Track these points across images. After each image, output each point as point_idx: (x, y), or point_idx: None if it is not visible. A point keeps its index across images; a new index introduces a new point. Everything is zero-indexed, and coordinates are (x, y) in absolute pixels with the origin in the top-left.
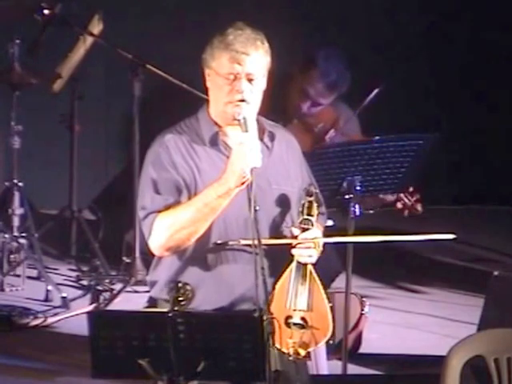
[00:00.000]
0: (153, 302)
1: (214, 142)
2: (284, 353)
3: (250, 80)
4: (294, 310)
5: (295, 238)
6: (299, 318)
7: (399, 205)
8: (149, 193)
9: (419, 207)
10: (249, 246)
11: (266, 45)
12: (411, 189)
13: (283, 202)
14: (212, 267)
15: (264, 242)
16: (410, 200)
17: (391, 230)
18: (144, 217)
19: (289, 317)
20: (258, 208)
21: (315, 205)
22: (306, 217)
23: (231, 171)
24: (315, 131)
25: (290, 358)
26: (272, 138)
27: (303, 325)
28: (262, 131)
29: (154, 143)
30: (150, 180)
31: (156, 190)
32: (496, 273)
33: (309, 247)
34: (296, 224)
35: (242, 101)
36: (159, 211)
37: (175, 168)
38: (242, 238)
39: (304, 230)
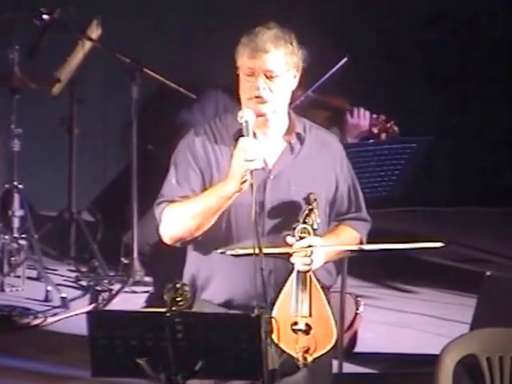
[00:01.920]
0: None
1: (238, 138)
2: (293, 357)
3: (269, 77)
4: (297, 316)
5: (291, 246)
6: (304, 324)
7: (375, 130)
8: (169, 182)
9: (396, 128)
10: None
11: (293, 45)
12: (383, 117)
13: (301, 205)
14: (225, 261)
15: (254, 250)
16: (384, 125)
17: (388, 231)
18: (158, 203)
19: (294, 323)
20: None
21: (315, 213)
22: (302, 225)
23: (232, 173)
24: None
25: (299, 363)
26: (302, 140)
27: (307, 331)
28: (290, 131)
29: (185, 136)
30: (173, 170)
31: (176, 180)
32: (488, 273)
33: (304, 255)
34: (295, 230)
35: (259, 98)
36: (173, 201)
37: (196, 160)
38: (241, 248)
39: (301, 238)
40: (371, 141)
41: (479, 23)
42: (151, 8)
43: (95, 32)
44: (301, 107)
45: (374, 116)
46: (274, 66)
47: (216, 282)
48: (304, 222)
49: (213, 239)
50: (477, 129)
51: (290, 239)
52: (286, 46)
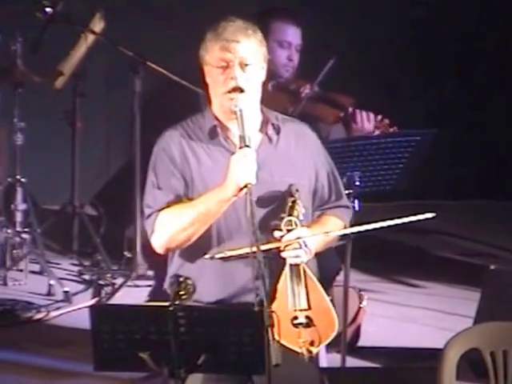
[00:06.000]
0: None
1: (214, 135)
2: (298, 353)
3: (243, 67)
4: (296, 311)
5: (279, 240)
6: (304, 317)
7: (378, 132)
8: (151, 190)
9: (397, 130)
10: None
11: (259, 35)
12: (386, 121)
13: (286, 193)
14: (213, 260)
15: (251, 249)
16: (387, 129)
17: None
18: (148, 215)
19: (294, 317)
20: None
21: (299, 204)
22: (288, 218)
23: (229, 180)
24: (290, 89)
25: (305, 358)
26: (278, 130)
27: (309, 323)
28: (265, 124)
29: (159, 139)
30: (153, 177)
31: (158, 187)
32: (492, 267)
33: (294, 248)
34: (281, 225)
35: (237, 89)
36: (162, 209)
37: (175, 164)
38: (228, 249)
39: (288, 231)
40: (375, 134)
41: (481, 15)
42: (154, 1)
43: (98, 25)
44: (306, 101)
45: (378, 118)
46: (246, 55)
47: (204, 282)
48: (289, 215)
49: (201, 240)
50: (478, 122)
51: (277, 233)
52: (255, 36)
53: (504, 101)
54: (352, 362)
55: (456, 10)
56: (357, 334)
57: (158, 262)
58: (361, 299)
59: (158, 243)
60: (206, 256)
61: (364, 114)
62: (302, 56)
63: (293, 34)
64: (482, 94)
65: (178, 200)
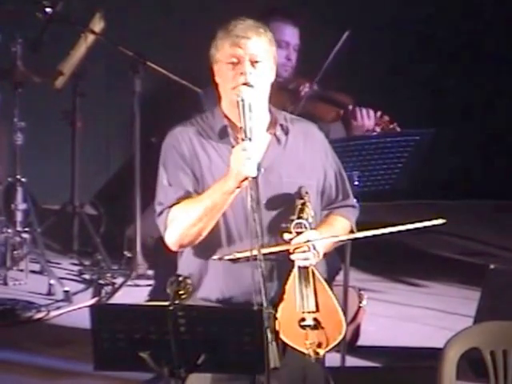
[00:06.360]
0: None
1: (224, 135)
2: (305, 354)
3: (253, 63)
4: (304, 313)
5: (289, 243)
6: (311, 319)
7: (378, 129)
8: (162, 187)
9: (397, 127)
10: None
11: (270, 34)
12: (386, 117)
13: (295, 195)
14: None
15: (258, 252)
16: (387, 125)
17: (389, 224)
18: (159, 212)
19: (302, 319)
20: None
21: (309, 206)
22: (297, 220)
23: (230, 172)
24: (289, 88)
25: (312, 359)
26: (286, 131)
27: (316, 325)
28: (274, 124)
29: (167, 136)
30: (164, 173)
31: (168, 184)
32: (492, 266)
33: (304, 251)
34: (291, 226)
35: (245, 84)
36: (172, 205)
37: (184, 160)
38: (237, 251)
39: (298, 233)
40: (374, 133)
41: (481, 15)
42: (154, 1)
43: (98, 25)
44: (305, 99)
45: (378, 114)
46: (257, 52)
47: (213, 280)
48: (299, 217)
49: (211, 238)
50: (478, 122)
51: (287, 236)
52: (265, 35)
53: (504, 101)
54: (352, 361)
55: (456, 10)
56: (356, 334)
57: (158, 262)
58: (360, 298)
59: (171, 240)
60: (215, 257)
61: (364, 110)
62: (302, 56)
63: (291, 34)
64: (482, 94)
65: (189, 196)
